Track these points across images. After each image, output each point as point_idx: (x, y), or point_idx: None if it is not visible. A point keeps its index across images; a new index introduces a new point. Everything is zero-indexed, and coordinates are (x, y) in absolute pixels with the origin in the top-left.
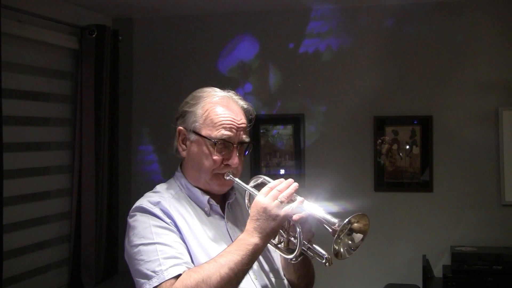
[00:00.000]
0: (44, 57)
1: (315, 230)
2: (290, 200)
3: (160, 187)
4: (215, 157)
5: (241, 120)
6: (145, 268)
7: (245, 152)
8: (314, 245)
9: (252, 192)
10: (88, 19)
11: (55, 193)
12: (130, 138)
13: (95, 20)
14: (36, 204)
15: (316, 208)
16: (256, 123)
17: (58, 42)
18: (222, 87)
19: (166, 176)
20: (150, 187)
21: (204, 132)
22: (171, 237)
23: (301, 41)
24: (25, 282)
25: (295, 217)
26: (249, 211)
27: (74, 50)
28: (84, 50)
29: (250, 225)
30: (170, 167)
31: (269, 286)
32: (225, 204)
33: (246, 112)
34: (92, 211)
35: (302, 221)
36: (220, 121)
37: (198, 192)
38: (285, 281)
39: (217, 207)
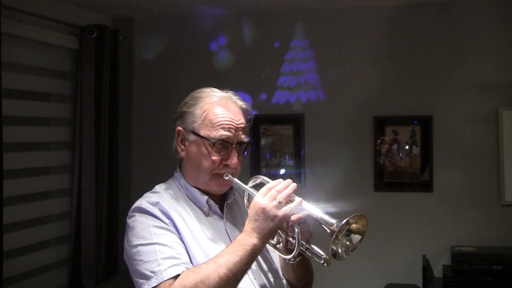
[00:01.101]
0: (44, 57)
1: (313, 231)
2: (289, 200)
3: (159, 188)
4: (214, 158)
5: (240, 120)
6: (144, 268)
7: (244, 152)
8: (312, 246)
9: (251, 192)
10: (88, 19)
11: (55, 193)
12: (130, 138)
13: (95, 20)
14: (36, 204)
15: (314, 209)
16: (256, 123)
17: (58, 42)
18: (221, 87)
19: (165, 176)
20: (149, 187)
21: (203, 133)
22: (170, 238)
23: (302, 41)
24: (25, 282)
25: (293, 217)
26: (248, 211)
27: (74, 50)
28: (84, 50)
29: (248, 225)
30: (169, 168)
31: (268, 286)
32: (224, 204)
33: (245, 112)
34: (92, 211)
35: (301, 222)
36: (218, 122)
37: (197, 192)
38: (284, 281)
39: (216, 207)
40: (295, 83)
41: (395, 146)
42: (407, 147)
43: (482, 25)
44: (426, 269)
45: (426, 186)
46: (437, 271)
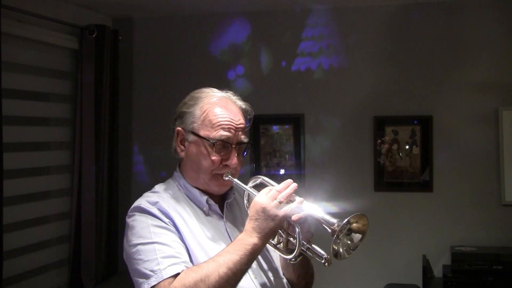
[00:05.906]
0: (44, 57)
1: (314, 230)
2: (289, 200)
3: (158, 187)
4: (213, 158)
5: (240, 120)
6: (144, 267)
7: (244, 152)
8: (313, 245)
9: (251, 192)
10: (88, 19)
11: (55, 193)
12: (130, 138)
13: (95, 20)
14: (36, 204)
15: (315, 208)
16: (256, 123)
17: (58, 42)
18: (220, 87)
19: (165, 176)
20: (149, 187)
21: (202, 133)
22: (170, 237)
23: (302, 41)
24: (25, 282)
25: (294, 217)
26: (248, 211)
27: (74, 50)
28: (84, 50)
29: (249, 225)
30: (169, 168)
31: (268, 285)
32: (224, 204)
33: (244, 112)
34: (92, 211)
35: (301, 221)
36: (218, 122)
37: (196, 192)
38: (284, 280)
39: (216, 207)
40: (294, 83)
41: (395, 146)
42: (407, 147)
43: (482, 25)
44: (426, 269)
45: (426, 186)
46: (437, 271)
